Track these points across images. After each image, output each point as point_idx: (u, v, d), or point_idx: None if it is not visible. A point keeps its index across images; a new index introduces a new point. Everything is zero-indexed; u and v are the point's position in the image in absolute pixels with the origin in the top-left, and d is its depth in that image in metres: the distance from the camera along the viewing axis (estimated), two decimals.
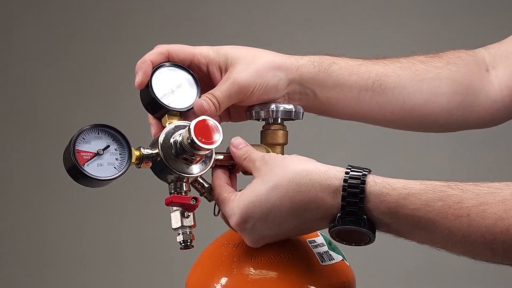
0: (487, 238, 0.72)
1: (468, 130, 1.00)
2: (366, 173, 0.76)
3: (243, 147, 0.85)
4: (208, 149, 0.80)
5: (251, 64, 0.87)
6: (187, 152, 0.80)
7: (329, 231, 0.77)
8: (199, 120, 0.79)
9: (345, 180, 0.75)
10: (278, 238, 0.81)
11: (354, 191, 0.75)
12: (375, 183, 0.76)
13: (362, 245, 0.79)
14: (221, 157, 0.85)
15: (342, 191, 0.75)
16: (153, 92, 0.85)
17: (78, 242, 2.53)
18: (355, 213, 0.75)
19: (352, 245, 0.79)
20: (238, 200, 0.80)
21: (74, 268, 2.53)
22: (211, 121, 0.80)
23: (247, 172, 0.85)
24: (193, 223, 0.83)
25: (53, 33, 2.54)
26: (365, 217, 0.75)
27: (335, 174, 0.77)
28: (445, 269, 2.29)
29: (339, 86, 0.91)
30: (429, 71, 0.95)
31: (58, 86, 2.54)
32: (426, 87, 0.94)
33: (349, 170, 0.76)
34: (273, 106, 0.87)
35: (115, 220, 2.50)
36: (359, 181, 0.75)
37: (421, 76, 0.95)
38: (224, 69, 0.88)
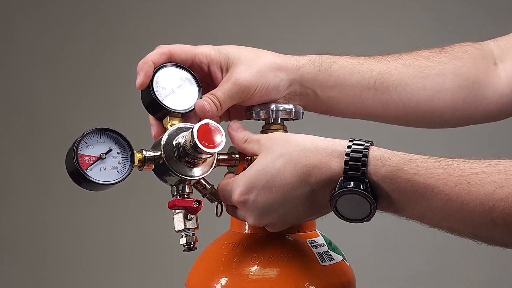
0: (486, 206, 0.71)
1: (474, 125, 0.99)
2: (369, 143, 0.76)
3: (241, 130, 0.85)
4: (211, 153, 0.80)
5: (252, 65, 0.87)
6: (189, 155, 0.80)
7: (330, 202, 0.76)
8: (202, 124, 0.79)
9: (349, 147, 0.76)
10: (281, 217, 0.80)
11: (357, 156, 0.75)
12: (378, 149, 0.76)
13: (363, 221, 0.77)
14: (223, 157, 0.85)
15: (346, 156, 0.75)
16: (154, 93, 0.85)
17: (78, 242, 2.53)
18: (357, 178, 0.75)
19: (352, 222, 0.78)
20: (243, 173, 0.80)
21: (74, 269, 2.53)
22: (214, 125, 0.80)
23: None
24: (196, 225, 0.83)
25: (53, 33, 2.54)
26: (367, 180, 0.75)
27: (339, 142, 0.77)
28: (446, 269, 2.29)
29: (340, 85, 0.91)
30: (433, 67, 0.95)
31: (58, 86, 2.54)
32: (430, 83, 0.94)
33: (353, 139, 0.77)
34: (273, 106, 0.87)
35: (115, 220, 2.50)
36: (362, 147, 0.75)
37: (425, 73, 0.94)
38: (225, 69, 0.88)
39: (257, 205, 0.79)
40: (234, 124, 0.86)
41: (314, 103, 0.91)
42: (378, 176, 0.75)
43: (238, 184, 0.80)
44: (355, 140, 0.77)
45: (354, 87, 0.91)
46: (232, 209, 0.84)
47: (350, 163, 0.75)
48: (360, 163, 0.74)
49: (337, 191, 0.75)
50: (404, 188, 0.74)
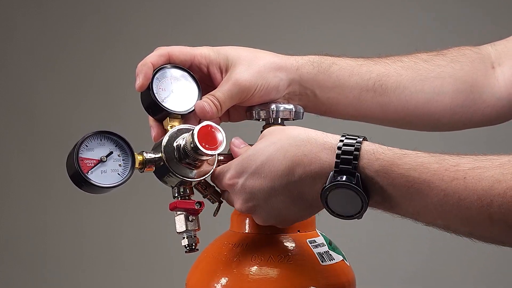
0: (484, 201, 0.70)
1: (472, 128, 0.99)
2: (362, 138, 0.75)
3: (244, 146, 0.85)
4: (211, 155, 0.80)
5: (252, 65, 0.87)
6: (190, 157, 0.80)
7: (321, 196, 0.75)
8: (203, 126, 0.79)
9: (341, 140, 0.75)
10: (266, 205, 0.79)
11: (349, 150, 0.74)
12: (371, 143, 0.75)
13: (354, 217, 0.75)
14: (223, 158, 0.86)
15: (337, 149, 0.74)
16: (154, 94, 0.85)
17: (78, 242, 2.53)
18: (348, 172, 0.73)
19: (343, 218, 0.76)
20: (236, 158, 0.81)
21: (74, 269, 2.53)
22: (214, 126, 0.80)
23: None
24: (197, 227, 0.83)
25: (53, 33, 2.54)
26: (358, 175, 0.73)
27: (332, 136, 0.77)
28: (445, 269, 2.29)
29: (339, 86, 0.91)
30: (431, 70, 0.95)
31: (58, 86, 2.54)
32: (428, 86, 0.94)
33: (346, 134, 0.76)
34: (273, 106, 0.87)
35: (115, 220, 2.50)
36: (355, 141, 0.74)
37: (424, 76, 0.94)
38: (224, 70, 0.88)
39: (245, 189, 0.79)
40: (237, 141, 0.85)
41: (313, 104, 0.91)
42: (371, 170, 0.73)
43: (229, 167, 0.80)
44: (348, 134, 0.76)
45: (353, 88, 0.91)
46: (223, 193, 0.84)
47: (341, 156, 0.74)
48: (352, 157, 0.73)
49: (328, 184, 0.74)
50: (399, 183, 0.73)
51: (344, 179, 0.73)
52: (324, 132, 0.78)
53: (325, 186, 0.74)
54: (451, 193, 0.71)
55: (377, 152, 0.74)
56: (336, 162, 0.74)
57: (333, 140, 0.76)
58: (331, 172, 0.74)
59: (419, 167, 0.72)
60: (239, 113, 0.91)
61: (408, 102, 0.93)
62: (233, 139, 0.85)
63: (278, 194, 0.78)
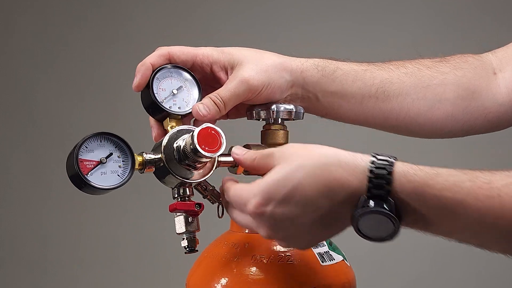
0: None
1: (475, 135, 0.98)
2: (393, 159, 0.72)
3: (247, 151, 0.82)
4: (211, 158, 0.80)
5: (259, 64, 0.87)
6: (189, 158, 0.80)
7: (351, 220, 0.72)
8: (203, 128, 0.79)
9: (372, 162, 0.71)
10: (296, 231, 0.75)
11: (381, 173, 0.71)
12: (403, 164, 0.72)
13: (386, 240, 0.72)
14: (223, 159, 0.85)
15: (369, 173, 0.71)
16: (154, 95, 0.85)
17: (78, 242, 2.53)
18: (380, 197, 0.70)
19: (374, 241, 0.73)
20: (258, 182, 0.74)
21: (73, 269, 2.53)
22: (215, 129, 0.80)
23: (248, 173, 0.85)
24: (197, 228, 0.83)
25: (53, 33, 2.54)
26: (391, 200, 0.70)
27: (361, 157, 0.73)
28: (446, 270, 2.29)
29: (342, 91, 0.91)
30: (434, 77, 0.95)
31: (58, 86, 2.54)
32: (430, 93, 0.94)
33: (376, 155, 0.73)
34: (273, 106, 0.87)
35: (115, 220, 2.50)
36: (386, 163, 0.71)
37: (426, 83, 0.94)
38: (229, 69, 0.87)
39: (275, 217, 0.73)
40: (237, 150, 0.82)
41: (314, 107, 0.91)
42: (404, 193, 0.70)
43: (254, 194, 0.74)
44: (377, 155, 0.72)
45: (356, 94, 0.91)
46: (243, 218, 0.78)
47: (374, 180, 0.71)
48: (384, 181, 0.70)
49: (360, 210, 0.71)
50: (432, 204, 0.70)
51: (375, 204, 0.70)
52: (350, 152, 0.74)
53: (357, 212, 0.71)
54: (487, 212, 0.69)
55: (408, 174, 0.71)
56: (368, 186, 0.71)
57: (364, 162, 0.72)
58: (362, 196, 0.71)
59: (452, 186, 0.70)
60: (238, 111, 0.91)
61: (410, 109, 0.93)
62: (233, 149, 0.83)
63: (309, 220, 0.74)
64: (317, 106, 0.91)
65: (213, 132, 0.79)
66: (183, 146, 0.80)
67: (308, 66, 0.90)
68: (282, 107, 0.88)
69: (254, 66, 0.86)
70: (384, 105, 0.92)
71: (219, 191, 0.86)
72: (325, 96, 0.90)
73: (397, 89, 0.93)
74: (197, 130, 0.79)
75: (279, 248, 0.83)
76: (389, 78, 0.93)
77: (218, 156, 0.84)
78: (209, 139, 0.79)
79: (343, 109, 0.92)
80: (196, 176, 0.82)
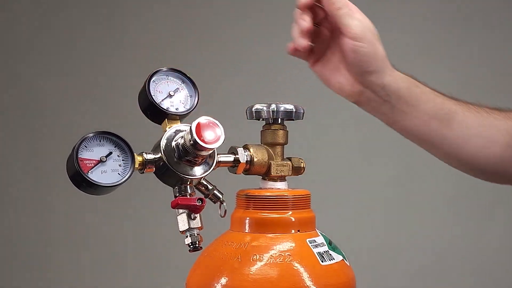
0: None
1: None
2: None
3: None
4: (210, 149, 0.80)
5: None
6: (190, 153, 0.80)
7: None
8: (199, 121, 0.80)
9: None
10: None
11: None
12: None
13: None
14: (223, 159, 0.86)
15: None
16: (152, 97, 0.85)
17: (78, 242, 2.53)
18: None
19: None
20: None
21: (74, 268, 2.53)
22: (212, 121, 0.80)
23: (248, 173, 0.86)
24: (200, 225, 0.83)
25: (54, 34, 2.54)
26: None
27: None
28: (445, 270, 2.29)
29: (415, 106, 0.98)
30: (491, 119, 1.02)
31: (58, 87, 2.54)
32: (486, 132, 1.01)
33: None
34: (273, 106, 0.88)
35: (115, 220, 2.50)
36: None
37: (483, 123, 1.01)
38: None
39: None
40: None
41: (389, 112, 0.98)
42: None
43: None
44: None
45: (426, 113, 0.99)
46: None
47: None
48: None
49: None
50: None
51: None
52: None
53: None
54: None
55: None
56: None
57: None
58: None
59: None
60: (322, 50, 1.01)
61: (466, 142, 1.01)
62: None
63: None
64: (393, 112, 0.98)
65: (211, 124, 0.80)
66: (182, 143, 0.80)
67: (397, 74, 0.98)
68: (282, 107, 0.88)
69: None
70: (446, 131, 1.00)
71: (220, 191, 0.86)
72: (400, 106, 0.98)
73: (461, 121, 1.00)
74: (195, 122, 0.79)
75: (279, 248, 0.83)
76: (455, 109, 1.01)
77: (218, 156, 0.84)
78: (207, 131, 0.79)
79: (412, 124, 0.99)
80: (197, 172, 0.82)
